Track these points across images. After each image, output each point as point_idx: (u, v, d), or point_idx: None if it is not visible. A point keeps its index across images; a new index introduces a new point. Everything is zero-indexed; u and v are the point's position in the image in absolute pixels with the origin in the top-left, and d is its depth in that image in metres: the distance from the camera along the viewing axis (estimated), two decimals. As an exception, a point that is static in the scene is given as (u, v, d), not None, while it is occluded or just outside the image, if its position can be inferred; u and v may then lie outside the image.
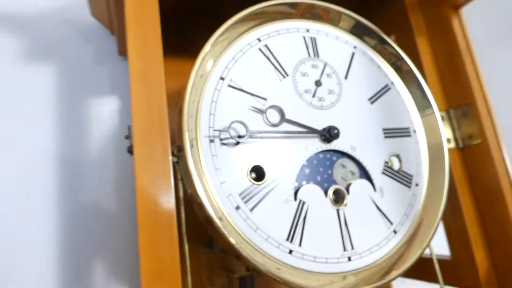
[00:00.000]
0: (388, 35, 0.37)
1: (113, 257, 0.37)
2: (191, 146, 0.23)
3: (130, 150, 0.23)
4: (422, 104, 0.32)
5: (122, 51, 0.41)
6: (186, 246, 0.24)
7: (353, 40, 0.32)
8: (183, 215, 0.24)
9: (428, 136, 0.32)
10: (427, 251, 0.28)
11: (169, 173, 0.22)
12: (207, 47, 0.25)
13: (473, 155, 0.33)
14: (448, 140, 0.33)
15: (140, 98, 0.23)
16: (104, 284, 0.36)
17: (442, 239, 0.34)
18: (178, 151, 0.24)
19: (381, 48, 0.32)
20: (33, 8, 0.41)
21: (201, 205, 0.22)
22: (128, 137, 0.25)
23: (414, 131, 0.32)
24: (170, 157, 0.22)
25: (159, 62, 0.24)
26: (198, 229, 0.25)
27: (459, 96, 0.34)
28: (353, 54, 0.31)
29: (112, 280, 0.36)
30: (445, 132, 0.32)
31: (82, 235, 0.36)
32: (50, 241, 0.35)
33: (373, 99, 0.31)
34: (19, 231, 0.35)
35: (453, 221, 0.33)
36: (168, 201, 0.21)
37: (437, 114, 0.31)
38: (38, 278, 0.34)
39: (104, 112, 0.41)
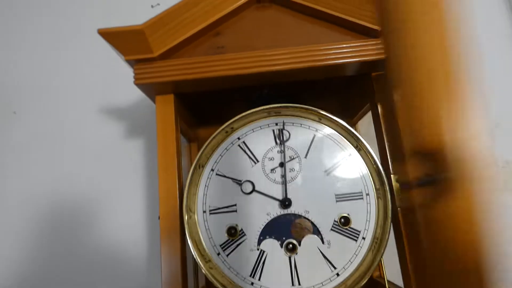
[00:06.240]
0: (364, 104, 0.45)
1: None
2: (193, 213, 0.40)
3: (159, 217, 0.41)
4: (378, 178, 0.40)
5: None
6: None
7: (316, 125, 0.42)
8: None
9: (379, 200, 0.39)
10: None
11: (178, 230, 0.39)
12: (201, 150, 0.40)
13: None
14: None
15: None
16: None
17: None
18: (189, 217, 0.40)
19: (342, 129, 0.41)
20: (131, 97, 0.64)
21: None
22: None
23: (367, 194, 0.40)
24: (185, 219, 0.39)
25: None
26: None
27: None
28: (314, 136, 0.41)
29: None
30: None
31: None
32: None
33: (329, 171, 0.40)
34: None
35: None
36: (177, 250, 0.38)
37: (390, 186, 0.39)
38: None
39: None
